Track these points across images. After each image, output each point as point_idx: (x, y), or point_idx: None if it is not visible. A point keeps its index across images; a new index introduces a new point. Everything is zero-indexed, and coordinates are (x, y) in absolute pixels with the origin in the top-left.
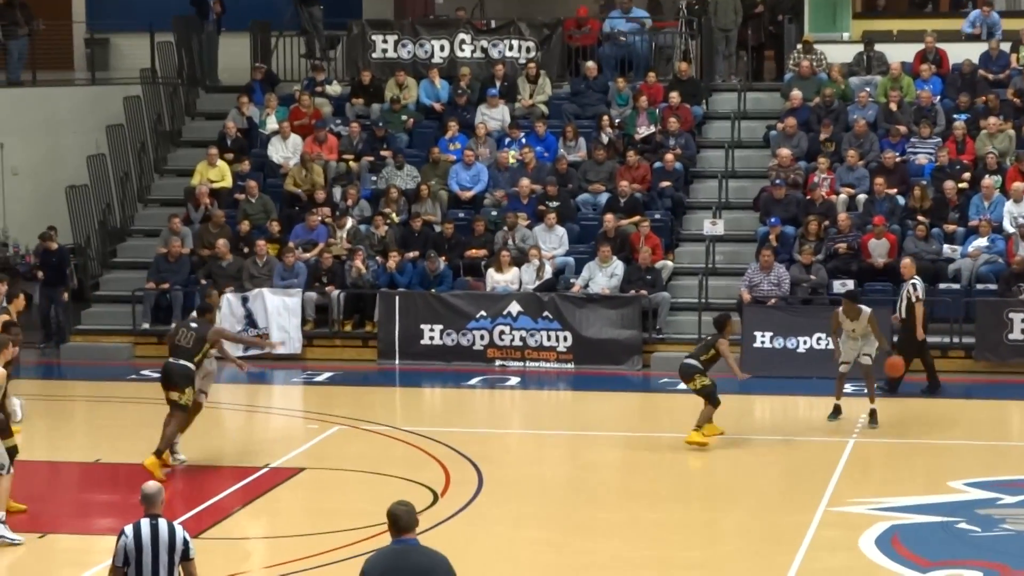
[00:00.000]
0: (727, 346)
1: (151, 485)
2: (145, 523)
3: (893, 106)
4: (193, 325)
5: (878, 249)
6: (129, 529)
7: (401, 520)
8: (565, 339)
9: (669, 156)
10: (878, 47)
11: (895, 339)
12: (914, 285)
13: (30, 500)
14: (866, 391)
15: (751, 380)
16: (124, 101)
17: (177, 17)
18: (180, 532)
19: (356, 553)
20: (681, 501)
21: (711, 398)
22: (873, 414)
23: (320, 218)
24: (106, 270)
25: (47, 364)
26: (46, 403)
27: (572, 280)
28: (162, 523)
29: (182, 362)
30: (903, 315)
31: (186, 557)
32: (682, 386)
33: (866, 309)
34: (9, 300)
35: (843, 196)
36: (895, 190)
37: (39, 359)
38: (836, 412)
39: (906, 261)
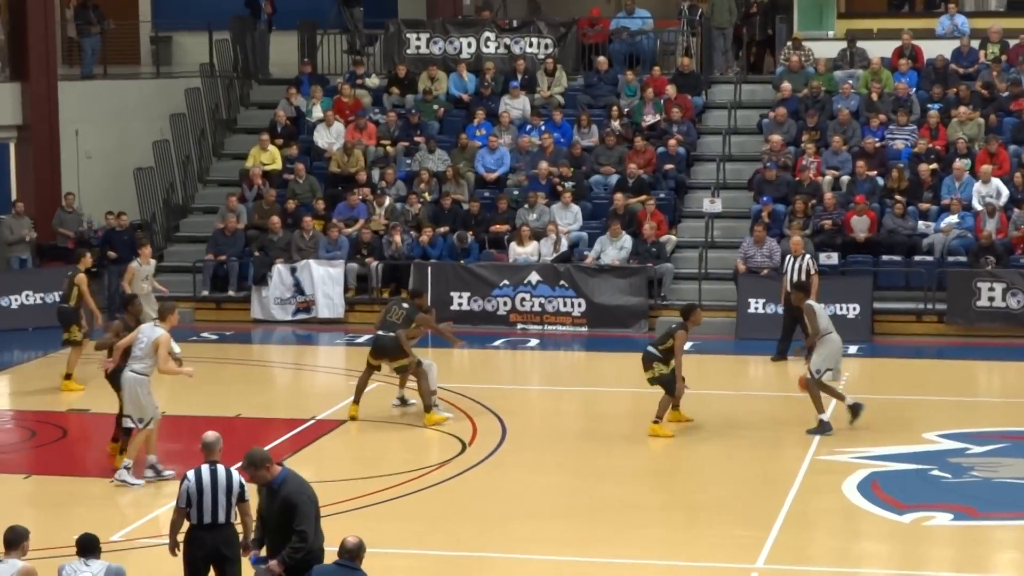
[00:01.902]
0: (683, 340)
1: (210, 435)
2: (205, 468)
3: (874, 96)
4: (404, 305)
5: (860, 225)
6: (191, 474)
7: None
8: (579, 305)
9: (672, 142)
10: (860, 44)
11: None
12: (812, 259)
13: (100, 450)
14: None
15: (745, 342)
16: (185, 92)
17: (233, 17)
18: (236, 476)
19: (395, 495)
20: (683, 449)
21: (667, 387)
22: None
23: (360, 197)
24: (169, 243)
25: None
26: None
27: (585, 252)
28: (220, 468)
29: (391, 334)
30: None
31: (242, 499)
32: (685, 346)
33: (807, 302)
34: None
35: (828, 177)
36: (875, 172)
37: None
38: (854, 410)
39: (796, 239)
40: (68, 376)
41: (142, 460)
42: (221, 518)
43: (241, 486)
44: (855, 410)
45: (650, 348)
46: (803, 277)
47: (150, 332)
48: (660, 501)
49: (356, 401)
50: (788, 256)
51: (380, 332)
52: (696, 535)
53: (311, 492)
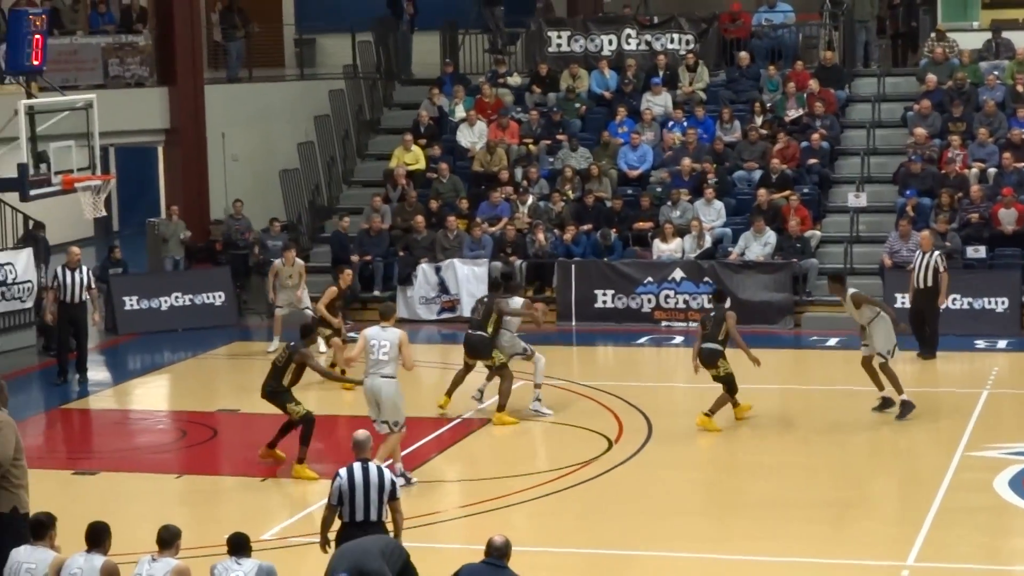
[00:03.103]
0: (734, 320)
1: (361, 433)
2: (357, 466)
3: (1020, 87)
4: (485, 300)
5: (1007, 218)
6: (343, 472)
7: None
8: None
9: (816, 136)
10: (1005, 34)
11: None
12: (941, 256)
13: (250, 450)
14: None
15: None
16: (329, 94)
17: (375, 18)
18: (388, 474)
19: (542, 493)
20: (830, 446)
21: (730, 386)
22: (901, 405)
23: (503, 195)
24: (315, 244)
25: (267, 327)
26: (264, 362)
27: (729, 249)
28: (372, 466)
29: (479, 332)
30: (928, 283)
31: (393, 497)
32: (832, 342)
33: (850, 291)
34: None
35: (974, 170)
36: (1022, 164)
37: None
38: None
39: (925, 234)
40: (333, 365)
41: (393, 467)
42: (373, 516)
43: (393, 484)
44: (885, 404)
45: (711, 345)
46: (931, 274)
47: (385, 335)
48: (807, 498)
49: (448, 394)
50: (918, 252)
51: (469, 331)
52: (844, 532)
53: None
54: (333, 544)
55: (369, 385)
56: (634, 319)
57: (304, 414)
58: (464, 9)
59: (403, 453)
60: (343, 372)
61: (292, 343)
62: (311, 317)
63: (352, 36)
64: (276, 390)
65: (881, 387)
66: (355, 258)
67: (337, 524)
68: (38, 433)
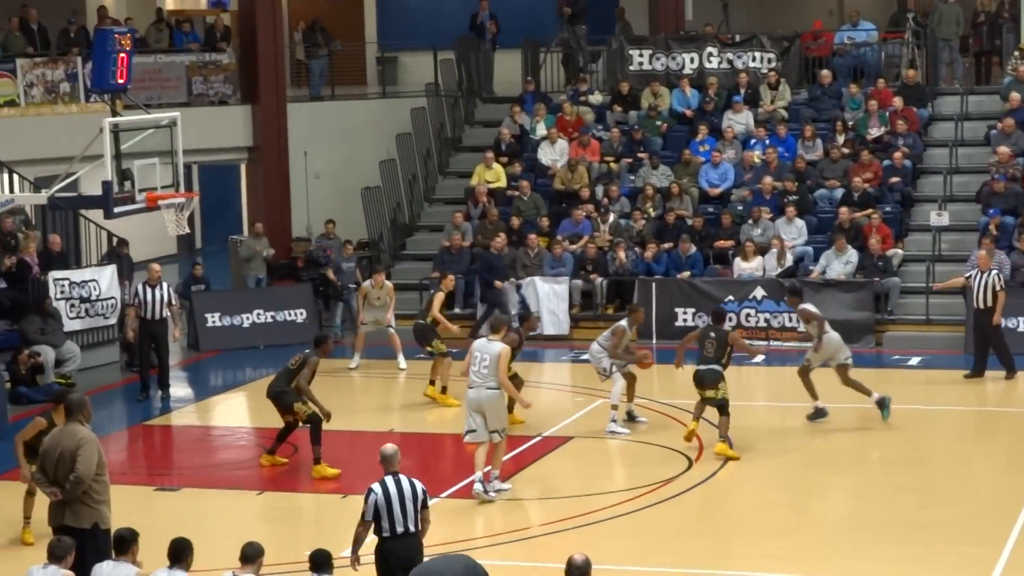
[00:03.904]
0: (740, 335)
1: (389, 447)
2: (390, 480)
3: None
4: (712, 334)
5: None
6: (377, 487)
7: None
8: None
9: (898, 154)
10: None
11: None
12: (998, 276)
13: (338, 465)
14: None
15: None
16: (411, 112)
17: (457, 37)
18: (419, 484)
19: (622, 512)
20: (912, 466)
21: (726, 409)
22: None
23: (585, 213)
24: (396, 261)
25: (340, 345)
26: (346, 379)
27: (811, 267)
28: (403, 478)
29: (712, 366)
30: (986, 303)
31: (424, 505)
32: (913, 361)
33: (801, 306)
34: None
35: None
36: None
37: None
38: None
39: (982, 253)
40: (432, 383)
41: (488, 475)
42: (411, 527)
43: (424, 493)
44: (819, 414)
45: (713, 366)
46: (989, 294)
47: (489, 347)
48: (887, 518)
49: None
50: (975, 272)
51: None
52: (925, 553)
53: None
54: (374, 558)
55: (474, 396)
56: None
57: (311, 413)
58: (546, 27)
59: (484, 470)
60: (444, 389)
61: (307, 350)
62: (390, 334)
63: (434, 54)
64: (283, 391)
65: (815, 397)
66: (436, 274)
67: (371, 539)
68: (120, 449)
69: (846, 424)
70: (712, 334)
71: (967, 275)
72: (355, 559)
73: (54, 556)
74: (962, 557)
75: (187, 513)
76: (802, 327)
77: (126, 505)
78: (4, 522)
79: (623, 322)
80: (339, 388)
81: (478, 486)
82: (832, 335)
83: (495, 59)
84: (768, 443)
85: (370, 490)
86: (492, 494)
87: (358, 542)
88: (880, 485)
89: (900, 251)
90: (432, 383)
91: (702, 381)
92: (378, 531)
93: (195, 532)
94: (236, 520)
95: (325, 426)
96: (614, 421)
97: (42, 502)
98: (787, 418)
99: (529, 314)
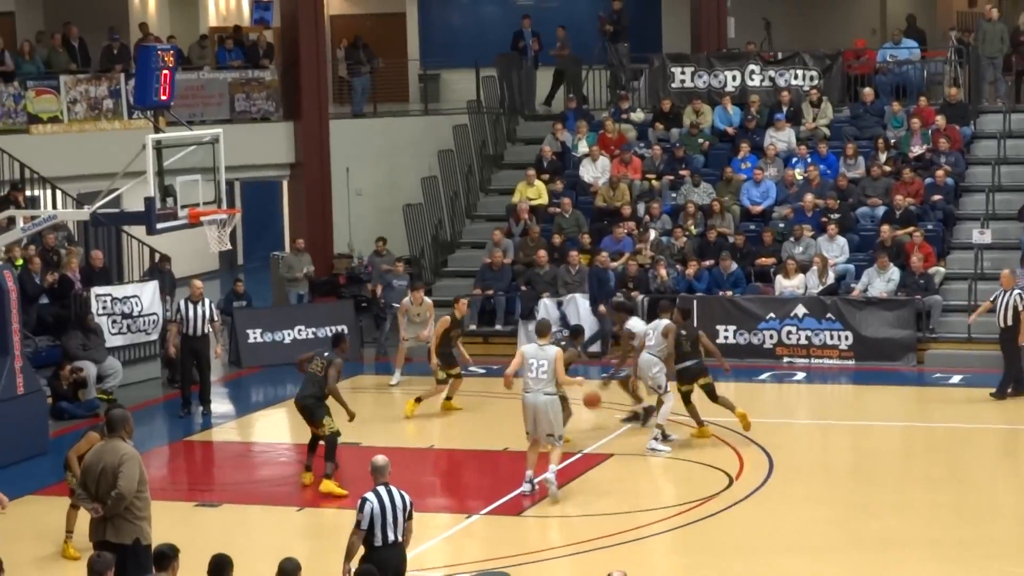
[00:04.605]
0: (707, 337)
1: (380, 458)
2: (383, 490)
3: None
4: (683, 332)
5: None
6: (372, 496)
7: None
8: (846, 338)
9: (940, 172)
10: None
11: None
12: (1020, 295)
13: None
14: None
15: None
16: (453, 129)
17: (499, 54)
18: (406, 495)
19: (662, 530)
20: (954, 484)
21: (714, 394)
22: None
23: (626, 231)
24: (438, 278)
25: (384, 361)
26: (386, 395)
27: (852, 285)
28: (393, 489)
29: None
30: (1008, 323)
31: (409, 516)
32: (955, 379)
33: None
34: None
35: None
36: None
37: (378, 356)
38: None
39: (1005, 272)
40: (449, 398)
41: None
42: (398, 537)
43: (411, 504)
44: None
45: (696, 361)
46: (1011, 314)
47: (544, 353)
48: (930, 536)
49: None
50: (999, 291)
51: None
52: (969, 571)
53: None
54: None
55: (532, 402)
56: (756, 355)
57: (335, 430)
58: (587, 45)
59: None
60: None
61: (326, 352)
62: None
63: (476, 71)
64: (318, 397)
65: (639, 400)
66: (477, 291)
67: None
68: (161, 465)
69: (887, 441)
70: (683, 332)
71: (992, 297)
72: (347, 569)
73: (94, 571)
74: (1003, 575)
75: (227, 529)
76: (843, 344)
77: (167, 521)
78: (46, 536)
79: (665, 321)
80: (382, 405)
81: (526, 486)
82: (647, 357)
83: (537, 76)
84: (809, 460)
85: (365, 499)
86: (556, 491)
87: (351, 551)
88: (921, 503)
89: (942, 269)
90: (450, 398)
91: (694, 374)
92: (368, 541)
93: (235, 548)
94: (276, 536)
95: (360, 439)
96: (655, 439)
97: (84, 516)
98: (829, 435)
99: (580, 330)
